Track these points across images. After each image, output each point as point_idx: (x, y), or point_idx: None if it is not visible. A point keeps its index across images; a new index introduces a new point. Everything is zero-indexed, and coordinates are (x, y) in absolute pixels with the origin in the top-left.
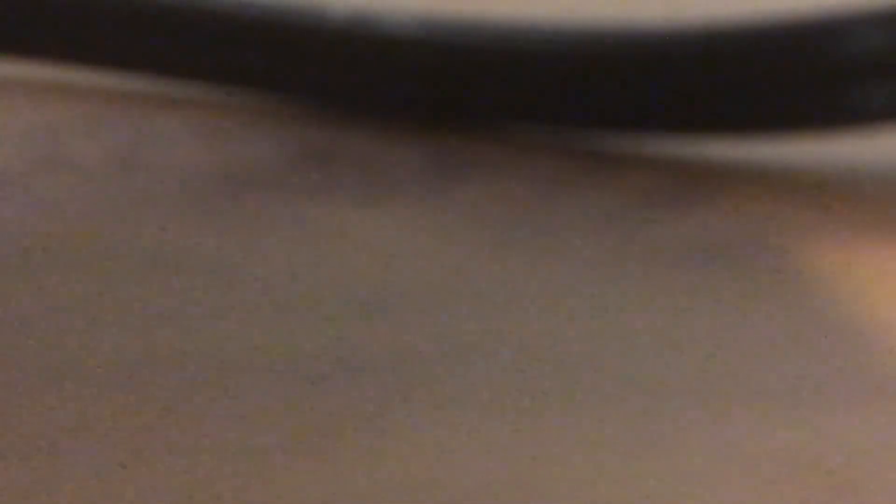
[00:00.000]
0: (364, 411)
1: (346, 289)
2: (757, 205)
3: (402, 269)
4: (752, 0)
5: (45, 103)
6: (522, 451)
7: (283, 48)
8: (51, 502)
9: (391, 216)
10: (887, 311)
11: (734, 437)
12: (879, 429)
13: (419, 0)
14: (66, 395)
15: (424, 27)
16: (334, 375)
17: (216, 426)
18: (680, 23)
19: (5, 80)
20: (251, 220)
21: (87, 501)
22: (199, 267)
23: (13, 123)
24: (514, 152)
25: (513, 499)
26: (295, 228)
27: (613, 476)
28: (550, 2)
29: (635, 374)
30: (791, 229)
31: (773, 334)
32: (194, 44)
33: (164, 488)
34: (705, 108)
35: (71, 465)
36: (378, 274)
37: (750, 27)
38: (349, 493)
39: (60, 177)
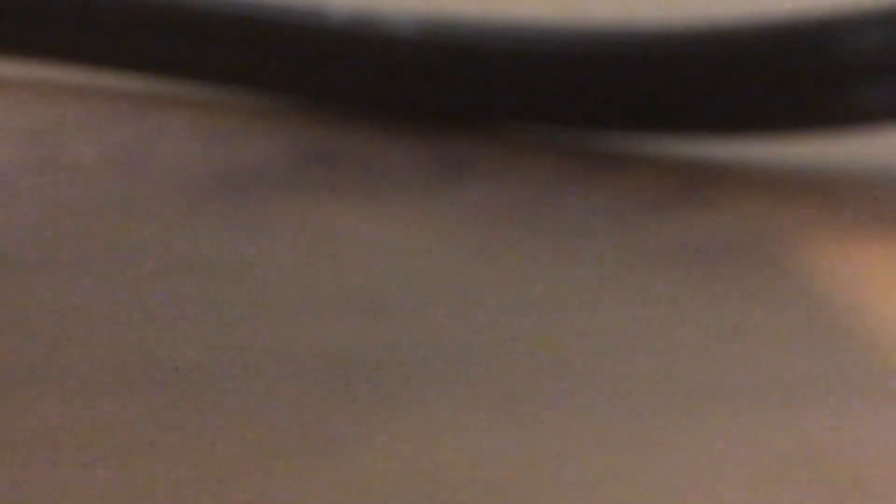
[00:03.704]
0: (364, 411)
1: (347, 289)
2: (757, 205)
3: (402, 269)
4: (752, 0)
5: (45, 103)
6: (523, 451)
7: (283, 48)
8: (50, 502)
9: (391, 216)
10: (887, 310)
11: (734, 436)
12: (879, 429)
13: (419, 0)
14: (66, 395)
15: (424, 27)
16: (334, 375)
17: (216, 426)
18: (680, 23)
19: (5, 80)
20: (251, 220)
21: (88, 501)
22: (199, 267)
23: (13, 123)
24: (514, 152)
25: (513, 499)
26: (295, 228)
27: (613, 476)
28: (550, 2)
29: (635, 374)
30: (791, 229)
31: (772, 334)
32: (194, 44)
33: (164, 488)
34: (705, 108)
35: (70, 465)
36: (378, 274)
37: (750, 27)
38: (349, 492)
39: (60, 177)
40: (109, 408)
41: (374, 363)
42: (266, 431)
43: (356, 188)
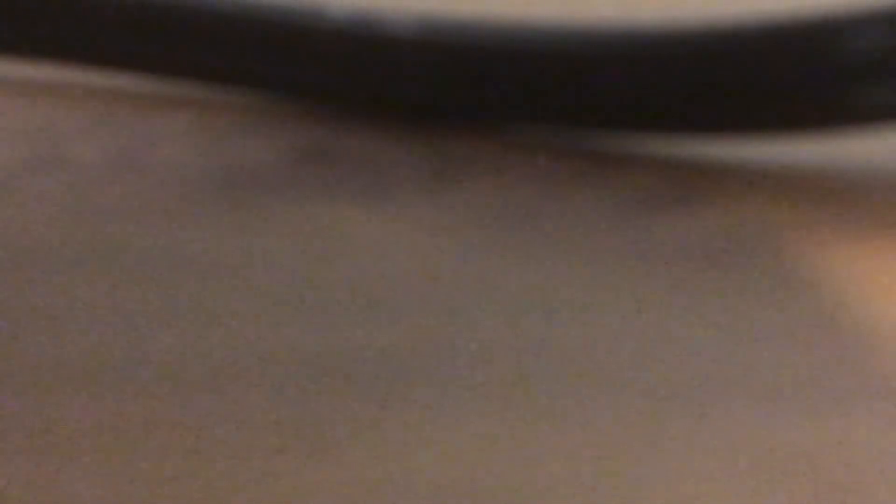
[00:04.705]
0: (364, 411)
1: (346, 288)
2: (757, 205)
3: (402, 268)
4: (752, 0)
5: (45, 103)
6: (522, 451)
7: (283, 48)
8: (50, 502)
9: (391, 216)
10: (887, 310)
11: (734, 437)
12: (879, 429)
13: (419, 0)
14: (66, 395)
15: (424, 27)
16: (334, 375)
17: (216, 426)
18: (680, 23)
19: (5, 80)
20: (251, 220)
21: (88, 501)
22: (199, 267)
23: (13, 123)
24: (514, 152)
25: (513, 499)
26: (295, 228)
27: (612, 476)
28: (550, 2)
29: (635, 374)
30: (791, 229)
31: (772, 334)
32: (194, 44)
33: (163, 488)
34: (705, 108)
35: (70, 464)
36: (378, 273)
37: (750, 27)
38: (349, 492)
39: (60, 177)
40: (108, 407)
41: (373, 363)
42: (265, 431)
43: (356, 188)
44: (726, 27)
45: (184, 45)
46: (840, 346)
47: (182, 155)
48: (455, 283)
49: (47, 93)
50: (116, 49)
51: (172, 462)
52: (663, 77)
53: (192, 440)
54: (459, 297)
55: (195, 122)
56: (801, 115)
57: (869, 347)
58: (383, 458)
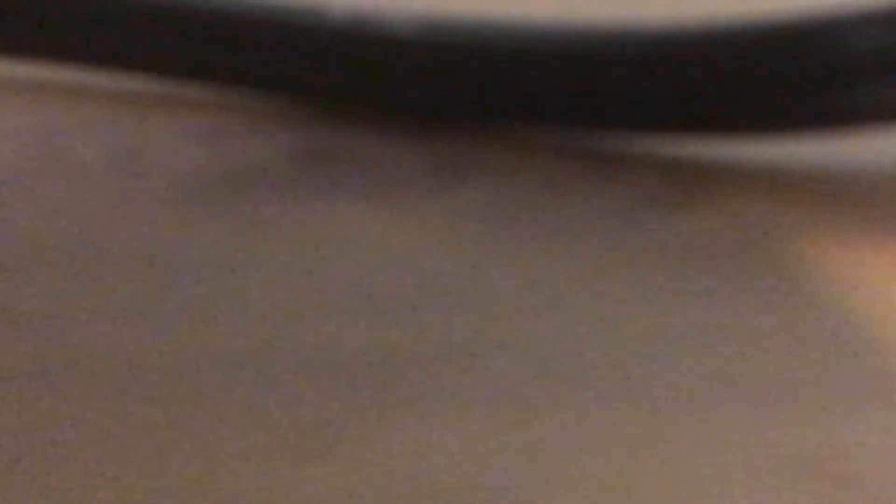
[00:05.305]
0: (363, 411)
1: (346, 289)
2: (757, 205)
3: (403, 268)
4: (752, 0)
5: (45, 103)
6: (522, 451)
7: (283, 48)
8: (50, 502)
9: (391, 216)
10: (887, 310)
11: (733, 436)
12: (879, 429)
13: (419, 0)
14: (65, 394)
15: (424, 27)
16: (334, 375)
17: (215, 426)
18: (680, 23)
19: (5, 80)
20: (251, 220)
21: (88, 501)
22: (199, 267)
23: (13, 124)
24: (514, 152)
25: (511, 499)
26: (295, 228)
27: (612, 476)
28: (550, 2)
29: (634, 374)
30: (791, 229)
31: (772, 334)
32: (194, 44)
33: (163, 489)
34: (705, 108)
35: (70, 464)
36: (378, 274)
37: (750, 27)
38: (349, 493)
39: (60, 177)
40: (107, 407)
41: (374, 363)
42: (265, 431)
43: (356, 188)
44: (726, 27)
45: (184, 45)
46: (840, 346)
47: (182, 155)
48: (455, 283)
49: (47, 93)
50: (116, 49)
51: (171, 462)
52: (663, 77)
53: (191, 440)
54: (459, 296)
55: (195, 122)
56: (800, 115)
57: (869, 347)
58: (383, 458)
